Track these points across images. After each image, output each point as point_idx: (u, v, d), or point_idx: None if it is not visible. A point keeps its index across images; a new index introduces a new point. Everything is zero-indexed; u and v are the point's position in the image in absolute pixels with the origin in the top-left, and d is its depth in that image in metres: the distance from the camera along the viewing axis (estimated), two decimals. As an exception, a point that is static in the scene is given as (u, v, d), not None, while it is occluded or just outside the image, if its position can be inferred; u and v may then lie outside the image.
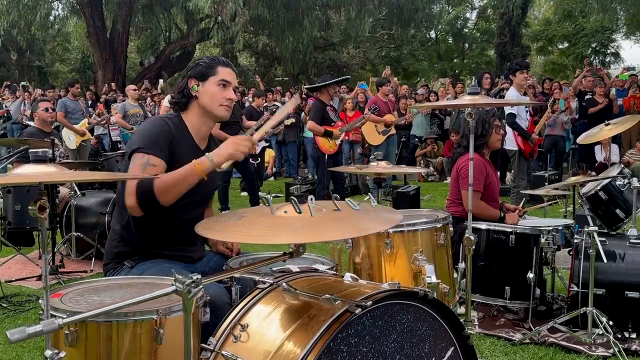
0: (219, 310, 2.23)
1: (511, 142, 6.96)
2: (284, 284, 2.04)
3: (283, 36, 18.26)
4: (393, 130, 9.49)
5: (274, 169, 12.91)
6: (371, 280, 2.69)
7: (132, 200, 2.49)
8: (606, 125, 4.55)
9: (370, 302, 1.79)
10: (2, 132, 12.30)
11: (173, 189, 2.46)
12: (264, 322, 1.93)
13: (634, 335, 3.74)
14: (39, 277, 5.34)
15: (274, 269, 2.42)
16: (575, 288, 3.87)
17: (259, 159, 8.88)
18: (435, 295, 2.02)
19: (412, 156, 12.24)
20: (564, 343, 3.68)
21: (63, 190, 6.06)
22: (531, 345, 3.71)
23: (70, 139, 9.36)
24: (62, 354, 1.74)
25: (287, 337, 1.82)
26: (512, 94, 6.85)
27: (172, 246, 2.68)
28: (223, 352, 1.89)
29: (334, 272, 2.34)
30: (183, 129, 2.69)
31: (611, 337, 3.55)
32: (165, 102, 10.73)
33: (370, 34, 21.78)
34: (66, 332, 1.86)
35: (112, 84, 16.80)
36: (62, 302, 2.02)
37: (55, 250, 5.45)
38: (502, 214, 4.38)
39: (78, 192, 5.89)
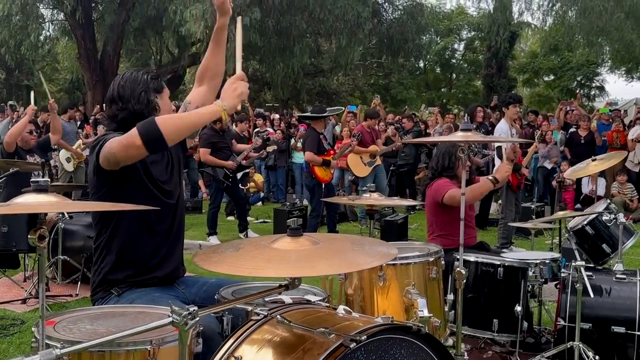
0: (210, 340, 2.23)
1: (499, 175, 7.03)
2: (278, 316, 2.05)
3: (274, 62, 18.36)
4: (379, 161, 9.57)
5: (262, 193, 12.90)
6: (363, 313, 2.70)
7: (137, 140, 2.34)
8: (593, 160, 4.62)
9: (365, 337, 1.80)
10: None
11: (181, 124, 2.46)
12: (258, 355, 1.94)
13: (619, 370, 3.77)
14: (24, 301, 5.29)
15: (266, 299, 2.42)
16: (562, 322, 3.89)
17: (248, 184, 8.90)
18: (427, 330, 2.04)
19: (399, 185, 12.28)
20: (551, 377, 3.70)
21: (50, 213, 6.03)
22: (518, 379, 3.73)
23: (67, 162, 9.38)
24: (55, 384, 1.74)
25: (282, 371, 1.83)
26: (502, 126, 6.95)
27: (149, 260, 2.66)
28: (216, 384, 1.89)
29: (327, 304, 2.35)
30: None
31: (597, 372, 3.58)
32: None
33: (360, 62, 21.99)
34: (60, 361, 1.86)
35: (104, 105, 16.78)
36: (56, 331, 2.00)
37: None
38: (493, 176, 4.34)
39: (66, 215, 5.86)
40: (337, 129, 13.18)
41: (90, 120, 14.77)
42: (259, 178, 12.63)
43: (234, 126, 10.13)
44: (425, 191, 4.75)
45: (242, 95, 2.52)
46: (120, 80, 2.71)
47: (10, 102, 17.56)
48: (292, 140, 12.96)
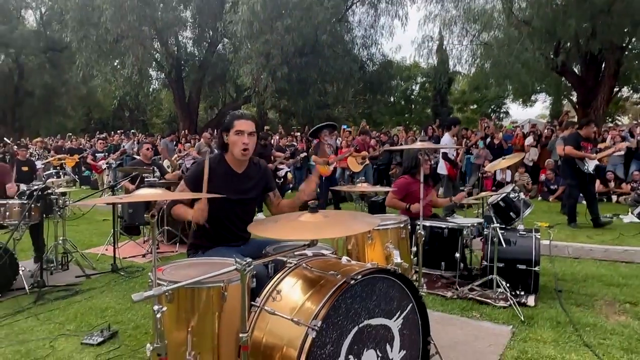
0: (260, 279, 2.21)
1: (443, 169, 6.94)
2: (303, 264, 2.03)
3: (296, 100, 18.35)
4: (367, 162, 9.57)
5: (292, 184, 12.89)
6: (359, 261, 2.67)
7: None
8: (503, 159, 4.56)
9: (360, 276, 1.79)
10: (120, 162, 12.34)
11: (177, 215, 2.55)
12: (292, 289, 1.93)
13: (522, 293, 3.72)
14: (143, 255, 5.31)
15: (295, 252, 2.40)
16: (485, 263, 3.86)
17: (282, 179, 8.85)
18: (400, 271, 2.01)
19: (379, 178, 12.20)
20: (479, 298, 3.66)
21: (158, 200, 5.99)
22: (458, 300, 3.69)
23: (168, 168, 9.48)
24: (164, 308, 1.73)
25: (307, 299, 1.82)
26: (447, 139, 6.84)
27: (227, 233, 2.65)
28: (265, 308, 1.89)
29: (335, 256, 2.33)
30: (222, 163, 2.66)
31: (509, 294, 3.54)
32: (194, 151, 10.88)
33: (352, 98, 21.85)
34: (166, 294, 1.86)
35: (186, 131, 16.89)
36: (164, 275, 2.01)
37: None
38: (408, 206, 4.18)
39: (168, 200, 5.85)
40: (338, 142, 13.14)
41: (182, 141, 14.87)
42: (289, 175, 12.62)
43: (278, 140, 10.18)
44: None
45: (203, 214, 2.41)
46: None
47: (132, 130, 17.72)
48: (310, 150, 12.91)
